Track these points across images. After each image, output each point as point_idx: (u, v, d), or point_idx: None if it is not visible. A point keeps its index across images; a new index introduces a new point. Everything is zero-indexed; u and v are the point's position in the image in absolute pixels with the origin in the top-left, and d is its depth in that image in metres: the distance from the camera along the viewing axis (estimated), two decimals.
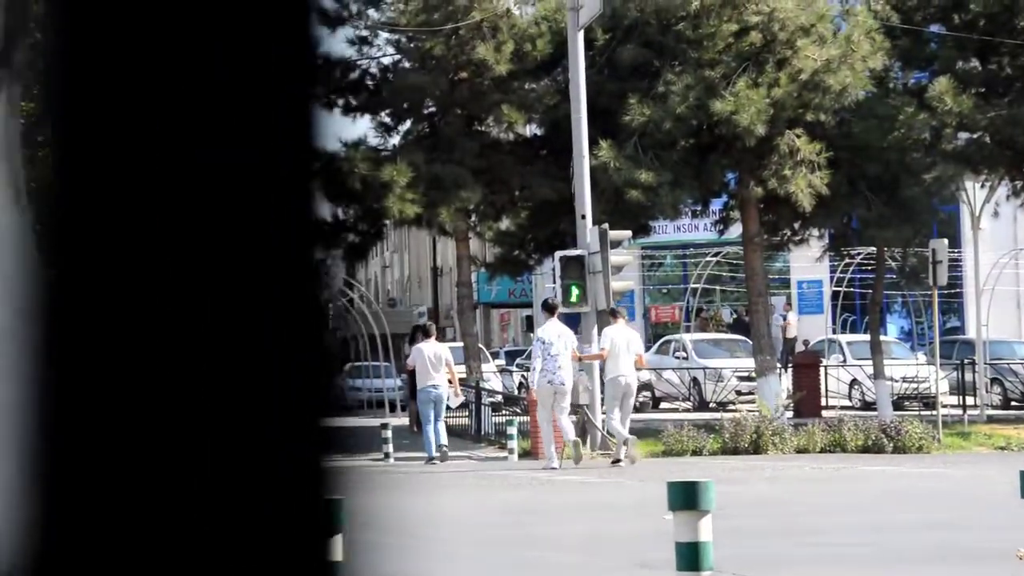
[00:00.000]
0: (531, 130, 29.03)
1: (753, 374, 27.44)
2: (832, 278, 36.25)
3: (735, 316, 40.18)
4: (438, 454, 21.37)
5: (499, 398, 28.31)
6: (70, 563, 1.02)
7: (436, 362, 21.69)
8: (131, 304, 1.02)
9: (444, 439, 21.71)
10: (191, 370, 1.03)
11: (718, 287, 40.57)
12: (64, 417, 1.01)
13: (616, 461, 20.21)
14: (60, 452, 1.01)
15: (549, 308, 21.27)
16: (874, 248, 28.35)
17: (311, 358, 1.09)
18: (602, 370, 20.92)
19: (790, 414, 25.38)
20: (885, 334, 33.26)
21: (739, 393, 29.83)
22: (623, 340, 20.56)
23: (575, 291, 23.10)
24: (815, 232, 28.76)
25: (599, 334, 21.67)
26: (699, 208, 28.71)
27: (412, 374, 29.71)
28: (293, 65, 1.11)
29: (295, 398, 1.07)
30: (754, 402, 25.72)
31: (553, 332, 20.33)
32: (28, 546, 1.01)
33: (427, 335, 22.57)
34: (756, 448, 22.42)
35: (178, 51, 1.05)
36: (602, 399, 21.18)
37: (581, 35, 23.74)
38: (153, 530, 1.02)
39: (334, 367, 1.12)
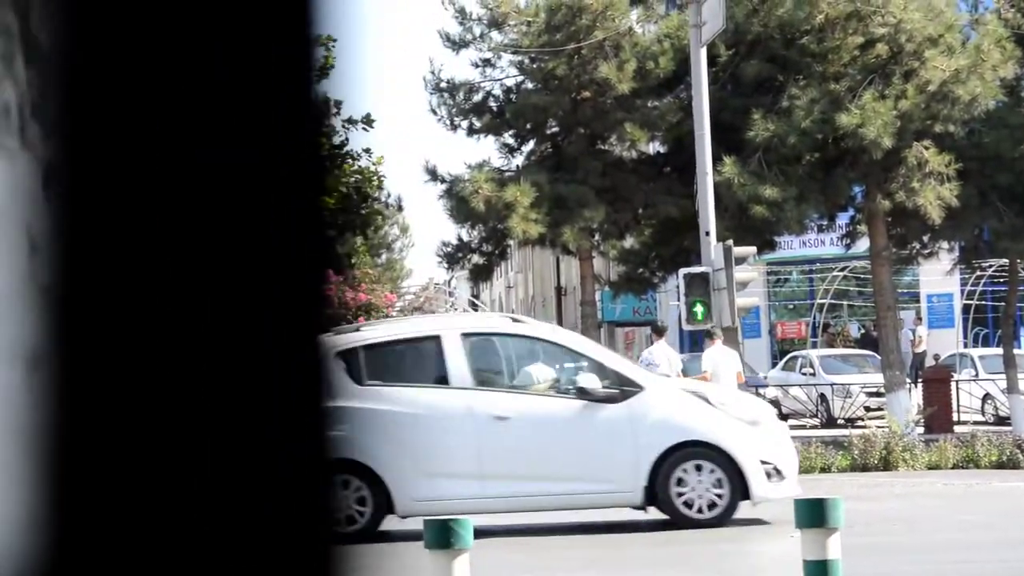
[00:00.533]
0: (654, 148, 29.00)
1: (882, 390, 27.08)
2: (963, 291, 35.67)
3: (863, 331, 39.66)
4: None
5: None
6: (78, 564, 1.02)
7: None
8: (136, 307, 1.03)
9: None
10: (193, 372, 1.04)
11: (845, 302, 40.12)
12: (73, 418, 1.02)
13: None
14: (69, 453, 1.02)
15: (657, 330, 21.95)
16: (1006, 260, 27.83)
17: (309, 359, 1.09)
18: None
19: (921, 430, 25.00)
20: (1019, 347, 32.59)
21: (868, 409, 29.44)
22: (723, 361, 20.96)
23: (700, 308, 22.99)
24: (945, 245, 28.32)
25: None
26: (825, 222, 28.45)
27: None
28: (292, 64, 1.11)
29: (294, 398, 1.07)
30: (883, 418, 25.36)
31: (660, 353, 20.98)
32: (35, 546, 1.02)
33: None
34: (886, 465, 22.12)
35: (177, 52, 1.05)
36: None
37: (704, 51, 23.69)
38: (160, 531, 1.03)
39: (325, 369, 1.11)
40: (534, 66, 27.03)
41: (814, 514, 6.51)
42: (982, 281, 33.90)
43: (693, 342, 37.99)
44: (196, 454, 1.04)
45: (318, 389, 1.09)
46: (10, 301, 0.99)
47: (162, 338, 1.04)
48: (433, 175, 27.13)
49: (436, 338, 13.97)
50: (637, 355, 56.31)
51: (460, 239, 28.71)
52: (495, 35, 27.45)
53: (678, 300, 24.38)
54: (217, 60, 1.06)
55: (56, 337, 1.01)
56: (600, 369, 13.77)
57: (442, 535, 6.26)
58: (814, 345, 36.95)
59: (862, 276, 34.45)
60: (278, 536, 1.06)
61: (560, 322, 34.03)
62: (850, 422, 28.50)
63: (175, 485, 1.04)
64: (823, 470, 22.02)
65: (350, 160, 32.48)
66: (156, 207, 1.04)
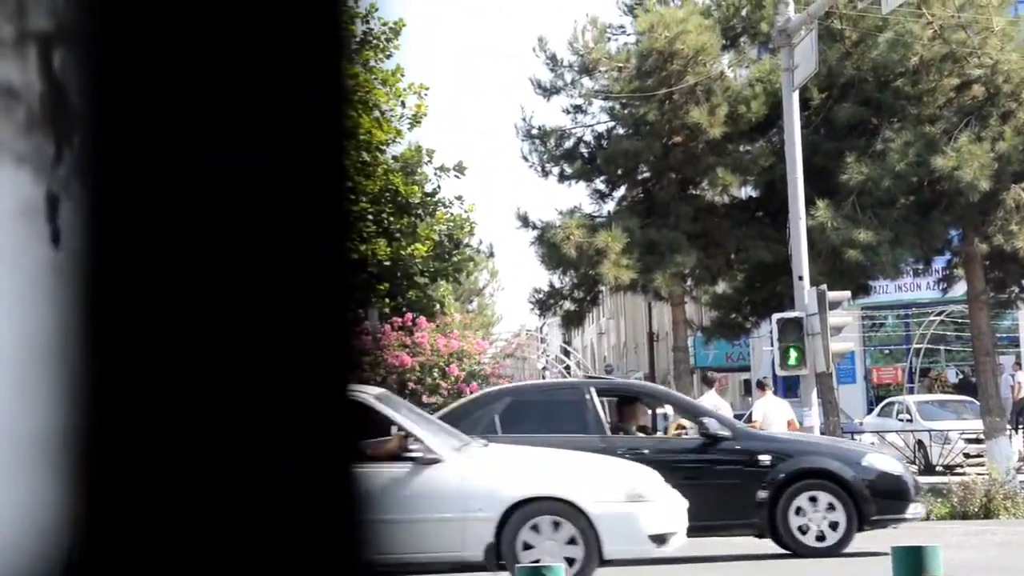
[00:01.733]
0: (746, 192, 28.87)
1: (981, 436, 26.63)
2: None
3: (961, 376, 39.05)
4: None
5: None
6: (105, 563, 1.02)
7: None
8: (160, 318, 1.02)
9: None
10: (209, 376, 1.03)
11: (942, 347, 39.53)
12: (100, 422, 1.02)
13: None
14: (93, 456, 1.02)
15: (707, 380, 22.46)
16: None
17: (328, 366, 1.08)
18: None
19: (1022, 477, 24.51)
20: None
21: (967, 456, 28.95)
22: (774, 411, 21.22)
23: (794, 354, 22.79)
24: None
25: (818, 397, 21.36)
26: (921, 266, 28.10)
27: None
28: (321, 77, 1.10)
29: (311, 405, 1.07)
30: (983, 465, 24.92)
31: (711, 403, 21.01)
32: (59, 546, 1.02)
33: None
34: (987, 513, 21.70)
35: (200, 60, 1.05)
36: None
37: (796, 95, 23.57)
38: (184, 533, 1.03)
39: (351, 375, 1.11)
40: (625, 111, 27.06)
41: (913, 562, 6.38)
42: None
43: (788, 388, 37.65)
44: (219, 471, 1.04)
45: (346, 428, 1.09)
46: (32, 303, 0.99)
47: (183, 350, 1.03)
48: (525, 221, 27.21)
49: None
50: (730, 401, 55.92)
51: (552, 285, 28.74)
52: (586, 81, 27.54)
53: (771, 345, 24.17)
54: (245, 72, 1.06)
55: (81, 340, 1.01)
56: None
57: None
58: (911, 391, 36.42)
59: (959, 320, 33.96)
60: (302, 538, 1.05)
61: (652, 368, 33.89)
62: (949, 469, 28.01)
63: (194, 492, 1.04)
64: (922, 518, 21.65)
65: (442, 207, 32.72)
66: (180, 213, 1.04)
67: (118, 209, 1.03)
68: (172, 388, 1.03)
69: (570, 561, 12.25)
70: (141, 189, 1.03)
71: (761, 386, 22.66)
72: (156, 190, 1.03)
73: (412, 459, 12.49)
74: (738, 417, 37.94)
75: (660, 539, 12.56)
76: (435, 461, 12.48)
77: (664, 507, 12.83)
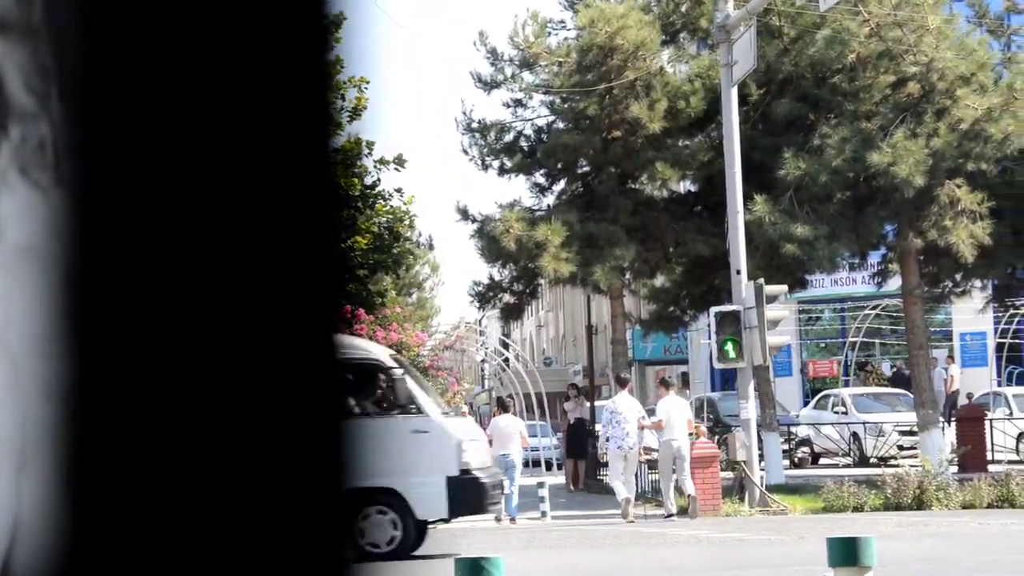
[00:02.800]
0: (685, 187, 29.04)
1: (915, 428, 26.96)
2: (996, 329, 35.46)
3: (895, 369, 39.50)
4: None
5: (655, 455, 28.18)
6: (94, 564, 1.03)
7: (509, 433, 23.39)
8: (158, 326, 1.04)
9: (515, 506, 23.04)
10: (206, 389, 1.05)
11: (877, 340, 39.96)
12: (94, 423, 1.03)
13: (668, 516, 21.65)
14: (89, 458, 1.03)
15: (620, 381, 23.18)
16: None
17: (316, 369, 1.10)
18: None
19: (954, 469, 24.84)
20: None
21: (901, 448, 29.29)
22: (675, 409, 22.03)
23: (731, 346, 23.02)
24: (978, 283, 28.22)
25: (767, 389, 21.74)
26: (857, 261, 28.38)
27: (568, 432, 29.87)
28: (305, 78, 1.12)
29: (301, 405, 1.08)
30: (917, 457, 25.24)
31: (623, 403, 22.00)
32: (54, 548, 1.02)
33: (504, 409, 24.60)
34: (920, 504, 22.00)
35: (188, 61, 1.05)
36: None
37: (735, 91, 23.76)
38: (172, 541, 1.03)
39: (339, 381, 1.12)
40: (565, 106, 27.13)
41: (847, 553, 6.50)
42: (1016, 319, 33.72)
43: (725, 381, 37.91)
44: (211, 471, 1.06)
45: (333, 410, 1.11)
46: (43, 334, 1.01)
47: (181, 354, 1.05)
48: (464, 214, 27.23)
49: None
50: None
51: (491, 278, 28.78)
52: (526, 75, 27.59)
53: (709, 338, 24.37)
54: (233, 74, 1.08)
55: (83, 356, 1.03)
56: None
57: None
58: (846, 384, 36.79)
59: (894, 314, 34.33)
60: (291, 553, 1.07)
61: (591, 361, 34.02)
62: (883, 461, 28.36)
63: (186, 494, 1.05)
64: (856, 509, 21.91)
65: (382, 200, 32.62)
66: (168, 216, 1.06)
67: (98, 207, 1.04)
68: (159, 388, 1.05)
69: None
70: (123, 187, 1.04)
71: (665, 384, 23.36)
72: (137, 187, 1.05)
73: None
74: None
75: None
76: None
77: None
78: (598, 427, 29.94)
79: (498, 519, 22.92)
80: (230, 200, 1.08)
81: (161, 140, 1.06)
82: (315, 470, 1.09)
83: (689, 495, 21.57)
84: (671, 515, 21.58)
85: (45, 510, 1.03)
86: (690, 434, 22.24)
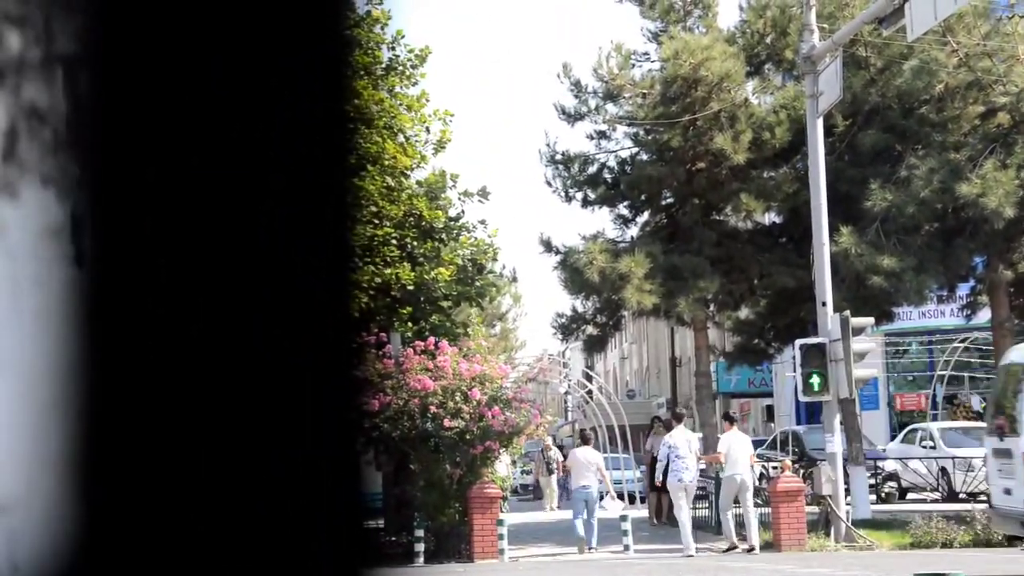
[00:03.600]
0: (770, 218, 28.87)
1: None
2: None
3: (985, 404, 38.88)
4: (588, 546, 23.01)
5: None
6: (104, 561, 1.02)
7: (587, 465, 23.54)
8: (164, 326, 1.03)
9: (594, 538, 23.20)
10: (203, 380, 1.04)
11: (966, 374, 39.37)
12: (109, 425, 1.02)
13: (729, 549, 21.92)
14: (106, 462, 1.02)
15: (677, 417, 23.72)
16: None
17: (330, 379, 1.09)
18: (721, 470, 22.81)
19: None
20: None
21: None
22: (738, 444, 22.44)
23: (816, 379, 22.80)
24: None
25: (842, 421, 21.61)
26: (945, 293, 28.03)
27: (651, 465, 29.72)
28: (321, 95, 1.10)
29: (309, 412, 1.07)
30: None
31: (680, 438, 22.47)
32: (67, 548, 1.02)
33: (585, 441, 24.76)
34: (1010, 540, 21.60)
35: (206, 75, 1.05)
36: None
37: (820, 122, 23.59)
38: (181, 534, 1.03)
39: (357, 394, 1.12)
40: (649, 137, 27.10)
41: None
42: None
43: (810, 414, 37.53)
44: (216, 473, 1.05)
45: (344, 412, 1.10)
46: (50, 321, 1.01)
47: (186, 356, 1.05)
48: (548, 246, 27.26)
49: None
50: (752, 427, 55.84)
51: (575, 310, 28.76)
52: (610, 107, 27.60)
53: (794, 371, 24.15)
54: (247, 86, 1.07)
55: (93, 355, 1.03)
56: None
57: None
58: (934, 417, 36.27)
59: (984, 347, 33.81)
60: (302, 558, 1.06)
61: (674, 393, 33.84)
62: (973, 496, 27.89)
63: (192, 496, 1.05)
64: (944, 545, 21.57)
65: (466, 232, 32.77)
66: (184, 220, 1.06)
67: (136, 224, 1.04)
68: (177, 394, 1.05)
69: None
70: (129, 188, 1.05)
71: (728, 419, 23.80)
72: (143, 189, 1.05)
73: None
74: (758, 444, 37.81)
75: None
76: None
77: None
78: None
79: (580, 550, 22.87)
80: (234, 201, 1.07)
81: (168, 142, 1.06)
82: (324, 473, 1.07)
83: (751, 529, 21.86)
84: (733, 548, 21.89)
85: (55, 511, 1.03)
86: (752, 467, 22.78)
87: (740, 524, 22.45)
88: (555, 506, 35.11)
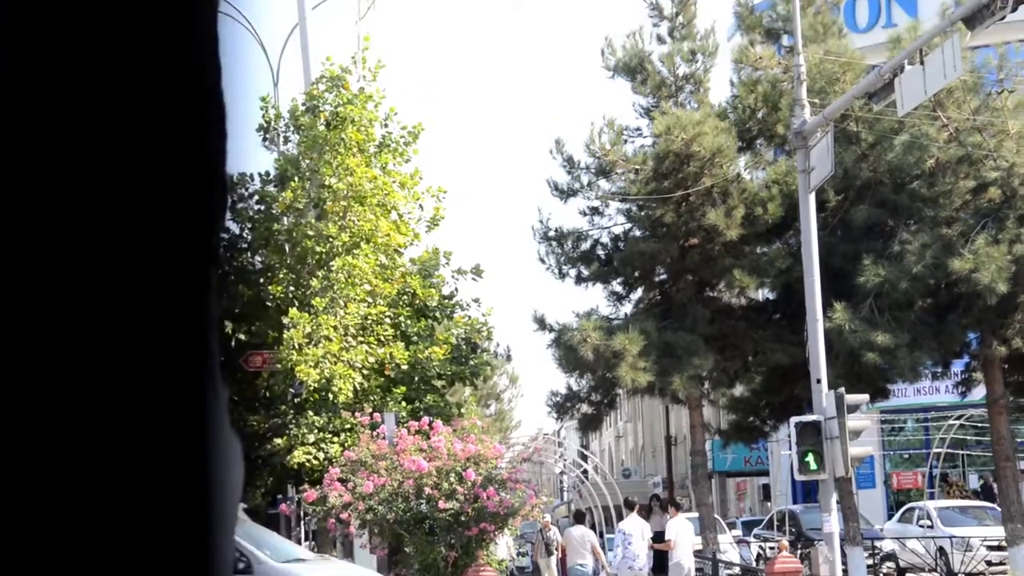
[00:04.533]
0: (763, 294, 28.84)
1: (1004, 543, 26.28)
2: None
3: (982, 482, 38.67)
4: None
5: (736, 570, 27.72)
6: None
7: (583, 543, 23.98)
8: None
9: None
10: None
11: (963, 452, 39.19)
12: None
13: None
14: None
15: (629, 505, 24.22)
16: None
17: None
18: (668, 557, 23.36)
19: None
20: None
21: (989, 564, 28.55)
22: (684, 530, 23.01)
23: (812, 458, 22.63)
24: None
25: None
26: (939, 370, 27.94)
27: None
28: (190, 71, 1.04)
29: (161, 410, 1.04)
30: (1006, 573, 24.59)
31: (634, 526, 22.95)
32: None
33: (579, 520, 25.43)
34: None
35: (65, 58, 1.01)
36: None
37: (813, 197, 23.61)
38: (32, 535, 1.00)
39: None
40: (642, 213, 27.13)
41: None
42: None
43: (807, 493, 37.29)
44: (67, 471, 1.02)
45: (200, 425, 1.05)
46: None
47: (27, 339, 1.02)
48: (542, 324, 27.19)
49: None
50: (748, 506, 55.48)
51: (569, 388, 28.63)
52: (603, 183, 27.65)
53: (790, 449, 23.99)
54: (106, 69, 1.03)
55: None
56: None
57: None
58: (931, 496, 36.04)
59: (980, 425, 33.68)
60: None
61: (670, 472, 33.64)
62: None
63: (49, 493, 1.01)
64: None
65: (460, 310, 32.71)
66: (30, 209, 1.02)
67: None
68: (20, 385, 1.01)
69: None
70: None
71: (676, 506, 24.55)
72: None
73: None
74: (755, 524, 37.60)
75: None
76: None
77: None
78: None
79: None
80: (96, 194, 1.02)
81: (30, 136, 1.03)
82: (173, 471, 1.03)
83: None
84: None
85: None
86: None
87: None
88: None
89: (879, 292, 24.14)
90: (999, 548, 27.57)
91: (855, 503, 27.04)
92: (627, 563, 22.47)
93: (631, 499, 24.97)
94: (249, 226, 32.74)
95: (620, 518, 37.14)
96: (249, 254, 32.75)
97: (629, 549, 22.51)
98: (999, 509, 27.51)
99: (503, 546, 32.37)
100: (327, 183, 31.83)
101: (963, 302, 24.51)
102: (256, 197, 32.94)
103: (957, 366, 28.11)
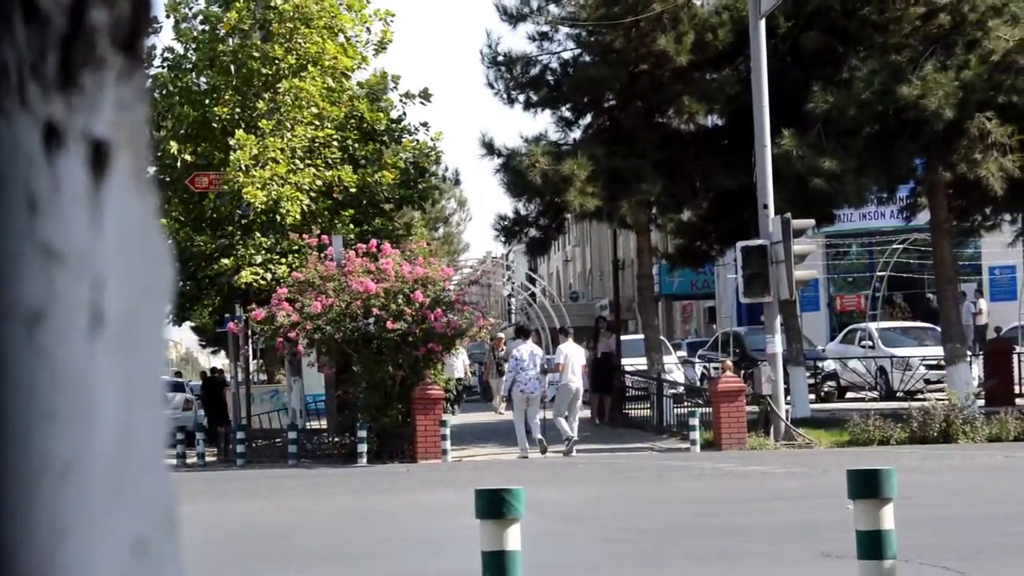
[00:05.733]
0: (712, 120, 28.83)
1: (942, 362, 26.89)
2: None
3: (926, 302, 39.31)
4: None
5: (681, 390, 28.24)
6: None
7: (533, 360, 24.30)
8: None
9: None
10: None
11: (906, 275, 39.79)
12: None
13: (566, 454, 22.87)
14: None
15: (523, 333, 25.85)
16: None
17: None
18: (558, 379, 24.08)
19: (981, 402, 24.81)
20: None
21: (928, 382, 29.24)
22: (573, 354, 23.99)
23: (757, 281, 22.95)
24: (1007, 217, 28.03)
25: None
26: (885, 195, 28.17)
27: (594, 366, 29.90)
28: None
29: None
30: (944, 391, 25.20)
31: (526, 351, 23.95)
32: None
33: (526, 335, 26.06)
34: (946, 437, 21.99)
35: None
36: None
37: (763, 23, 23.53)
38: None
39: None
40: (591, 39, 26.92)
41: (868, 485, 6.47)
42: None
43: (751, 315, 37.83)
44: None
45: None
46: (12, 261, 0.98)
47: None
48: (490, 149, 27.11)
49: None
50: (695, 328, 56.20)
51: (517, 213, 28.68)
52: (553, 8, 27.34)
53: (736, 273, 24.29)
54: None
55: None
56: None
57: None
58: (873, 318, 36.66)
59: (923, 249, 34.11)
60: None
61: (617, 296, 33.99)
62: (909, 395, 28.31)
63: None
64: (882, 442, 21.92)
65: (408, 135, 32.54)
66: None
67: None
68: None
69: None
70: None
71: (564, 333, 26.10)
72: None
73: None
74: (700, 345, 38.16)
75: None
76: None
77: None
78: (624, 361, 30.00)
79: (523, 456, 23.07)
80: None
81: None
82: None
83: (570, 437, 23.17)
84: (569, 438, 23.08)
85: None
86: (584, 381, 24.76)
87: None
88: (503, 410, 35.31)
89: (827, 118, 24.21)
90: (938, 367, 28.20)
91: (799, 325, 27.49)
92: (519, 387, 23.46)
93: (523, 325, 27.17)
94: (194, 47, 32.28)
95: None
96: (194, 75, 32.34)
97: (523, 373, 23.45)
98: (939, 330, 28.06)
99: (460, 366, 32.78)
100: (273, 4, 31.33)
101: (910, 128, 24.60)
102: (200, 17, 32.42)
103: (902, 191, 28.36)
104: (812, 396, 28.25)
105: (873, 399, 30.09)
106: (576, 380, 23.76)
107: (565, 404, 23.57)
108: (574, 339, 25.45)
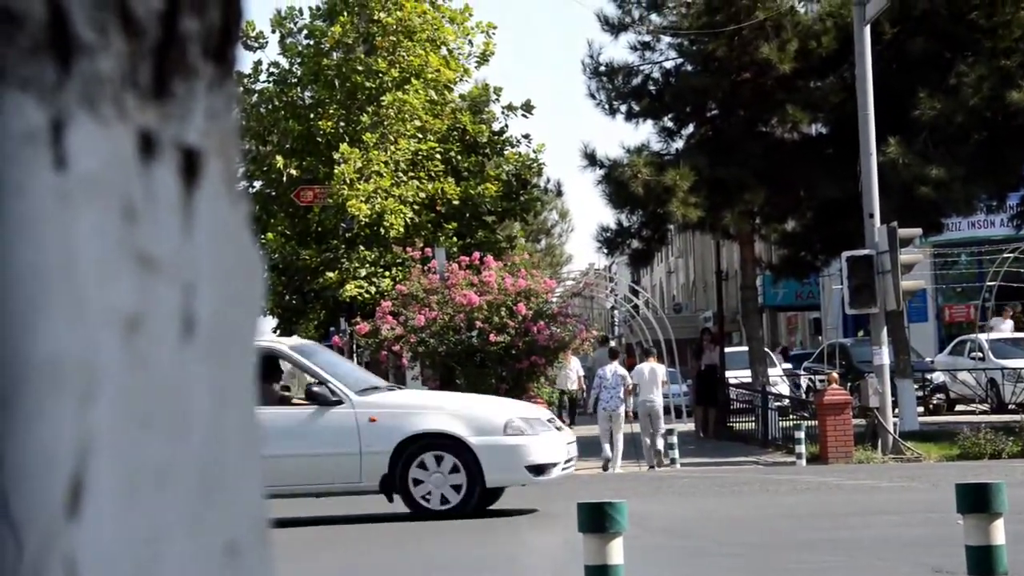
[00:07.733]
0: (816, 129, 28.55)
1: None
2: None
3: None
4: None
5: (786, 402, 27.96)
6: None
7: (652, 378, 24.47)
8: None
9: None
10: None
11: (1016, 284, 39.03)
12: None
13: (652, 467, 23.29)
14: None
15: (613, 354, 25.34)
16: None
17: None
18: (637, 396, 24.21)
19: None
20: None
21: None
22: (650, 373, 24.12)
23: (864, 292, 22.66)
24: None
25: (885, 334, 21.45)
26: (994, 203, 27.72)
27: (698, 379, 29.72)
28: None
29: None
30: None
31: (610, 371, 23.90)
32: None
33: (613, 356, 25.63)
34: None
35: None
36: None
37: (868, 29, 23.25)
38: None
39: None
40: (693, 48, 26.79)
41: (977, 499, 6.36)
42: None
43: (857, 326, 37.37)
44: None
45: None
46: (108, 268, 0.99)
47: None
48: (592, 160, 27.08)
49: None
50: (799, 339, 55.63)
51: (619, 224, 28.61)
52: (654, 17, 27.27)
53: (841, 284, 24.01)
54: None
55: None
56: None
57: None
58: (982, 329, 36.03)
59: None
60: None
61: (720, 307, 33.75)
62: (1022, 407, 27.77)
63: None
64: (993, 456, 21.51)
65: (510, 147, 32.65)
66: None
67: None
68: None
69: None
70: None
71: (646, 353, 26.10)
72: None
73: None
74: (805, 357, 37.58)
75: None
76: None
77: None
78: (728, 373, 29.80)
79: (605, 468, 22.95)
80: None
81: None
82: None
83: (657, 450, 23.42)
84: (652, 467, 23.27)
85: None
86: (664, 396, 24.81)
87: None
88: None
89: (934, 125, 23.86)
90: None
91: (906, 336, 27.10)
92: (602, 404, 23.66)
93: (612, 346, 27.48)
94: (299, 61, 32.66)
95: (670, 353, 37.46)
96: (299, 89, 32.72)
97: (606, 391, 23.64)
98: None
99: (573, 376, 32.75)
100: (376, 17, 31.61)
101: (1020, 134, 24.20)
102: (305, 32, 32.80)
103: (1012, 199, 27.88)
104: (921, 409, 27.81)
105: (984, 412, 29.55)
106: (655, 398, 23.93)
107: (647, 421, 23.86)
108: (659, 356, 26.16)
